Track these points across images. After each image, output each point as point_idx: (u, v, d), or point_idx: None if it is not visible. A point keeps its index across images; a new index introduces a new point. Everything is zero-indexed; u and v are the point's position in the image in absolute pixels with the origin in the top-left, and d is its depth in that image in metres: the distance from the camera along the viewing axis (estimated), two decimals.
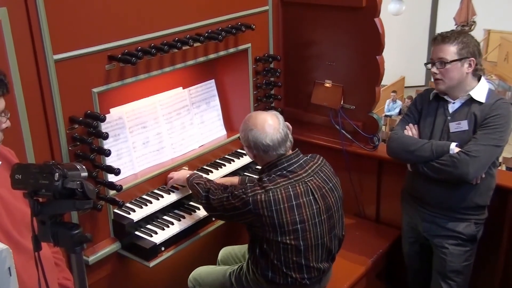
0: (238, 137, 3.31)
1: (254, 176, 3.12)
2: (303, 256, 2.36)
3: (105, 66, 2.44)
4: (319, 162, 2.46)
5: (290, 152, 2.43)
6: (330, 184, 2.43)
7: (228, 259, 2.96)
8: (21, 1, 2.11)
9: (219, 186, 2.52)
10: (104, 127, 2.55)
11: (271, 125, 2.36)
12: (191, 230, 2.74)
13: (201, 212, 2.80)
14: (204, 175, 2.89)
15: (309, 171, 2.39)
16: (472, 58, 2.62)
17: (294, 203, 2.30)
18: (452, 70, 2.65)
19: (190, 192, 2.82)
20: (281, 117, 2.43)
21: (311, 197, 2.34)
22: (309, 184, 2.35)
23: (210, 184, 2.58)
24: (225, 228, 3.11)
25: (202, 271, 2.85)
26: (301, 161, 2.40)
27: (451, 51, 2.63)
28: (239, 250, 2.96)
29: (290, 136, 2.42)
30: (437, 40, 2.70)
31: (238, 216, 2.37)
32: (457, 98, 2.71)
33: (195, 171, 2.94)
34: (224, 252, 3.01)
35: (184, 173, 2.84)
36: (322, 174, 2.42)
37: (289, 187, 2.31)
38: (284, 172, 2.35)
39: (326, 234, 2.41)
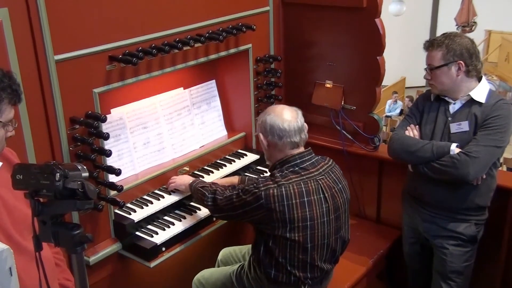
0: (240, 137, 3.34)
1: (255, 176, 3.12)
2: (309, 254, 2.37)
3: (106, 67, 2.44)
4: (330, 163, 2.49)
5: (303, 148, 2.44)
6: (340, 186, 2.45)
7: (228, 259, 2.96)
8: (22, 1, 2.11)
9: (226, 187, 2.54)
10: (105, 127, 2.55)
11: (289, 113, 2.40)
12: (192, 231, 2.74)
13: (202, 213, 2.80)
14: (205, 175, 2.89)
15: (320, 170, 2.41)
16: (460, 61, 2.61)
17: (305, 199, 2.31)
18: (440, 75, 2.66)
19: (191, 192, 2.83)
20: (300, 112, 2.45)
21: (321, 196, 2.36)
22: (320, 182, 2.37)
23: (216, 186, 2.58)
24: (226, 229, 3.11)
25: (205, 273, 2.86)
26: (313, 160, 2.42)
27: (437, 56, 2.65)
28: (240, 250, 2.97)
29: (305, 130, 2.44)
30: (424, 46, 2.73)
31: (248, 213, 2.36)
32: (457, 99, 2.71)
33: (196, 178, 2.92)
34: (224, 252, 3.01)
35: (186, 178, 2.83)
36: (332, 175, 2.44)
37: (301, 183, 2.33)
38: (297, 168, 2.37)
39: (332, 234, 2.42)
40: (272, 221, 2.31)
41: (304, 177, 2.35)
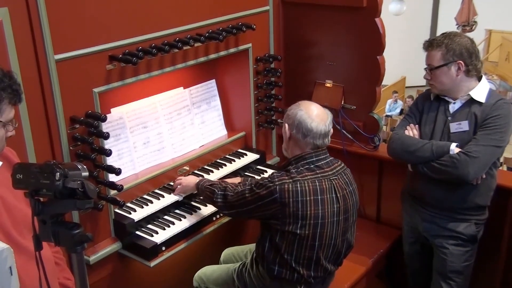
0: (239, 136, 3.34)
1: (256, 176, 3.13)
2: (315, 252, 2.38)
3: (106, 66, 2.44)
4: (342, 165, 2.50)
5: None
6: (351, 188, 2.46)
7: (231, 259, 2.97)
8: (22, 1, 2.11)
9: (236, 184, 2.55)
10: (105, 127, 2.56)
11: (320, 115, 2.39)
12: (192, 230, 2.74)
13: (202, 212, 2.80)
14: (205, 175, 2.87)
15: (334, 170, 2.42)
16: (460, 61, 2.61)
17: (319, 197, 2.32)
18: (440, 75, 2.66)
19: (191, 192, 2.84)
20: (331, 116, 2.45)
21: (333, 195, 2.37)
22: (333, 182, 2.38)
23: (226, 183, 2.58)
24: (226, 228, 3.12)
25: (207, 270, 2.86)
26: (328, 160, 2.43)
27: (436, 57, 2.65)
28: (242, 250, 2.98)
29: (329, 136, 2.44)
30: (424, 46, 2.73)
31: (261, 208, 2.35)
32: (457, 98, 2.71)
33: (202, 177, 2.92)
34: (226, 252, 3.02)
35: (192, 179, 2.83)
36: (344, 177, 2.45)
37: (316, 181, 2.34)
38: (312, 166, 2.38)
39: (339, 235, 2.43)
40: (284, 217, 2.31)
41: (319, 175, 2.36)
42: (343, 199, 2.40)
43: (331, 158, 2.46)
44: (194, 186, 2.75)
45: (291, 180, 2.31)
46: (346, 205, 2.41)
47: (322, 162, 2.40)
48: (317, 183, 2.33)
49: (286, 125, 2.45)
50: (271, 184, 2.31)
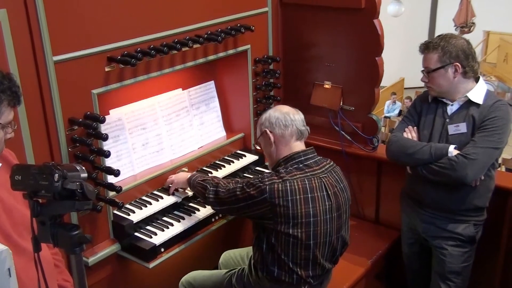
0: (238, 138, 3.34)
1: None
2: (311, 251, 2.38)
3: (105, 68, 2.44)
4: (331, 163, 2.52)
5: (304, 146, 2.49)
6: (341, 185, 2.48)
7: (229, 262, 2.96)
8: (21, 2, 2.11)
9: (229, 181, 2.56)
10: (103, 128, 2.55)
11: (290, 109, 2.53)
12: (191, 231, 2.74)
13: (201, 213, 2.80)
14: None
15: (323, 169, 2.44)
16: (457, 63, 2.61)
17: (309, 195, 2.34)
18: (437, 77, 2.66)
19: (189, 194, 2.83)
20: (302, 115, 2.55)
21: (324, 193, 2.38)
22: (323, 180, 2.40)
23: (218, 180, 2.60)
24: (225, 230, 3.11)
25: (196, 275, 2.83)
26: (316, 159, 2.46)
27: (433, 59, 2.65)
28: (240, 253, 2.97)
29: (306, 131, 2.52)
30: (420, 49, 2.73)
31: (250, 207, 2.37)
32: (455, 100, 2.72)
33: (194, 172, 2.94)
34: (225, 256, 3.01)
35: (184, 175, 2.84)
36: (334, 174, 2.47)
37: (305, 180, 2.35)
38: (301, 165, 2.40)
39: (334, 232, 2.44)
40: (276, 216, 2.32)
41: (308, 174, 2.37)
42: (335, 196, 2.41)
43: (319, 157, 2.48)
44: (185, 181, 2.76)
45: (280, 180, 2.32)
46: (338, 202, 2.43)
47: (311, 161, 2.42)
48: (307, 182, 2.35)
49: (267, 131, 2.48)
50: (261, 184, 2.33)
